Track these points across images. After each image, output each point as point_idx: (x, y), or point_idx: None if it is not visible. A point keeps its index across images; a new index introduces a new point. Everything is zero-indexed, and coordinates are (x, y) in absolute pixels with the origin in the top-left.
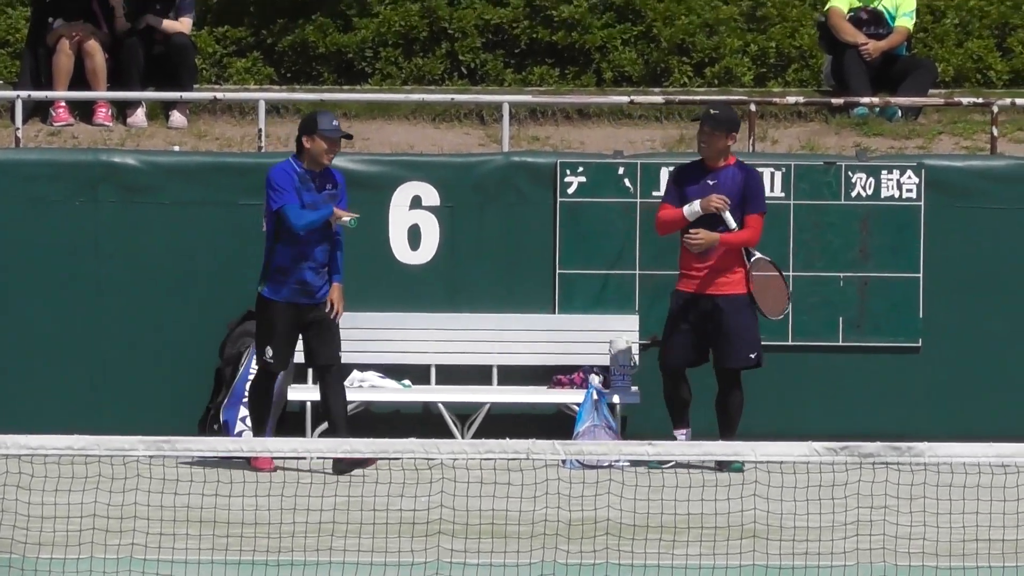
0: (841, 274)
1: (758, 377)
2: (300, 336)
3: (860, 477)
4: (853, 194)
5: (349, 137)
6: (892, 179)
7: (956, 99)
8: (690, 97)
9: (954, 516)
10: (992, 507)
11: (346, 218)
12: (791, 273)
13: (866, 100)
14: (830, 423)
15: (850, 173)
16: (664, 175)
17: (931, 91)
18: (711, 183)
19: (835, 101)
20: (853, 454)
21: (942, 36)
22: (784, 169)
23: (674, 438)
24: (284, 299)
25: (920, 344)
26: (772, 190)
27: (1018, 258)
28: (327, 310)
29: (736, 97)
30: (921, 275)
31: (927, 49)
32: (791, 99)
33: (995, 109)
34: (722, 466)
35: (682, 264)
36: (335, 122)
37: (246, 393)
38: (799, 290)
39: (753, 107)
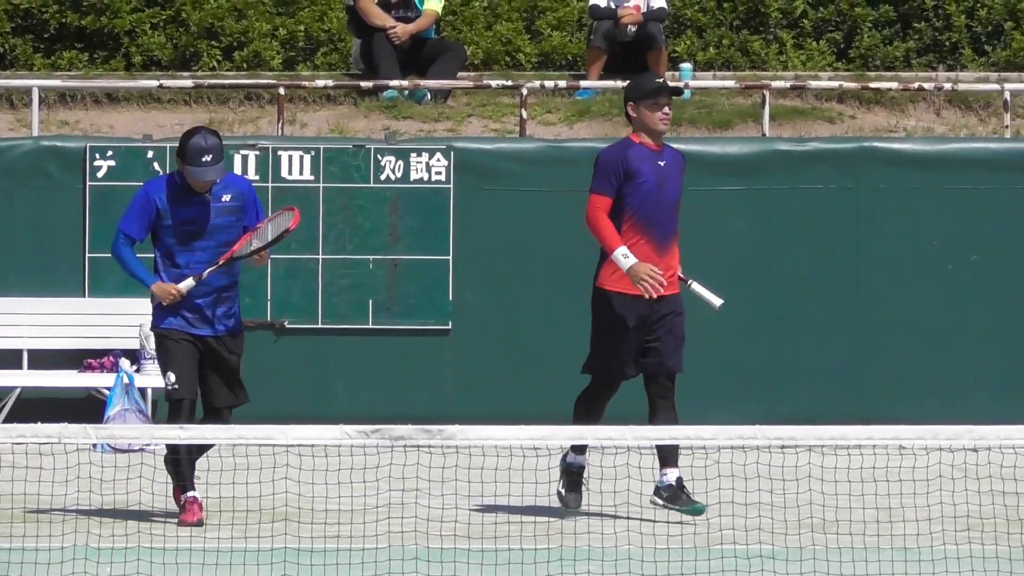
0: (371, 257)
1: (287, 359)
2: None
3: (392, 460)
4: (383, 177)
5: (218, 176)
6: (421, 162)
7: (485, 82)
8: (219, 81)
9: (486, 499)
10: (524, 489)
11: (164, 301)
12: (320, 256)
13: (395, 83)
14: (362, 406)
15: (379, 156)
16: None
17: (460, 74)
18: (661, 164)
19: (364, 84)
20: (385, 437)
21: (471, 19)
22: (313, 152)
23: None
24: (177, 328)
25: (450, 327)
26: (302, 173)
27: (546, 241)
28: (232, 343)
29: (265, 81)
30: (451, 258)
31: (456, 32)
32: (320, 83)
33: (524, 92)
34: (673, 501)
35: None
36: (206, 157)
37: None
38: (330, 273)
39: (282, 91)
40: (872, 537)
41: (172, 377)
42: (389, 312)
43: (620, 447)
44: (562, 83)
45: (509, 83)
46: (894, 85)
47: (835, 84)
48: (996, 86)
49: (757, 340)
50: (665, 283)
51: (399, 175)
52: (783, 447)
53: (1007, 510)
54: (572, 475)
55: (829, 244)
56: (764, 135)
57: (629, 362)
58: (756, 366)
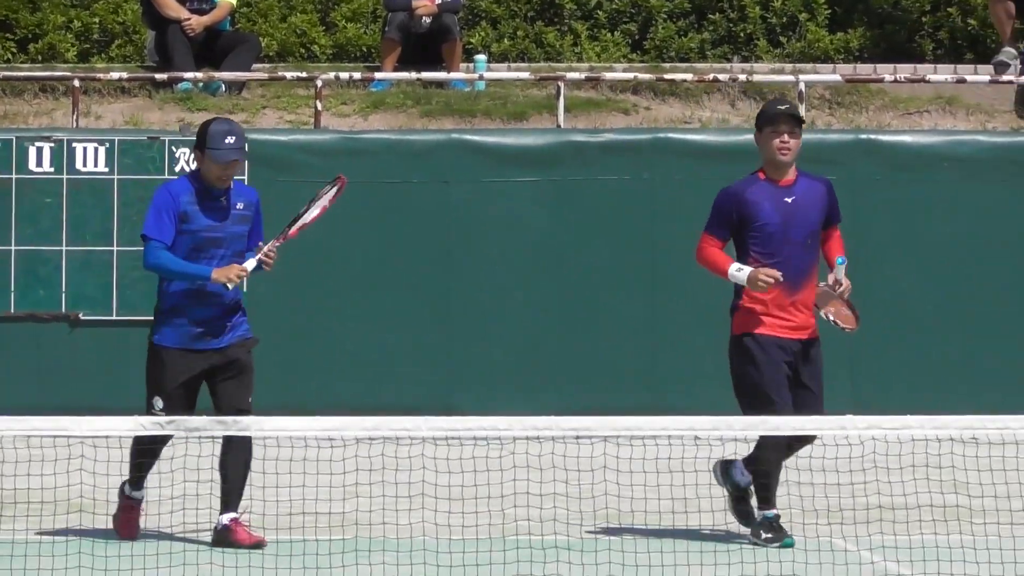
0: None
1: (82, 351)
2: (206, 382)
3: (187, 451)
4: (177, 169)
5: (242, 158)
6: None
7: (280, 74)
8: (13, 74)
9: (280, 489)
10: (319, 480)
11: (229, 283)
12: (115, 248)
13: (189, 75)
14: None
15: (174, 148)
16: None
17: (255, 66)
18: (788, 201)
19: (159, 76)
20: (180, 428)
21: (265, 11)
22: (108, 144)
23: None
24: (178, 345)
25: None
26: (96, 165)
27: (340, 232)
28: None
29: (60, 73)
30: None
31: (251, 24)
32: (115, 75)
33: (319, 84)
34: (767, 533)
35: (760, 299)
36: (230, 139)
37: None
38: (125, 265)
39: (77, 83)
40: (668, 527)
41: (159, 403)
42: None
43: (415, 438)
44: (357, 75)
45: (304, 75)
46: (689, 76)
47: (630, 76)
48: (791, 77)
49: (552, 331)
50: (780, 277)
51: (194, 167)
52: (578, 437)
53: (802, 500)
54: (739, 497)
55: (624, 236)
56: (559, 127)
57: (786, 399)
58: (551, 357)
